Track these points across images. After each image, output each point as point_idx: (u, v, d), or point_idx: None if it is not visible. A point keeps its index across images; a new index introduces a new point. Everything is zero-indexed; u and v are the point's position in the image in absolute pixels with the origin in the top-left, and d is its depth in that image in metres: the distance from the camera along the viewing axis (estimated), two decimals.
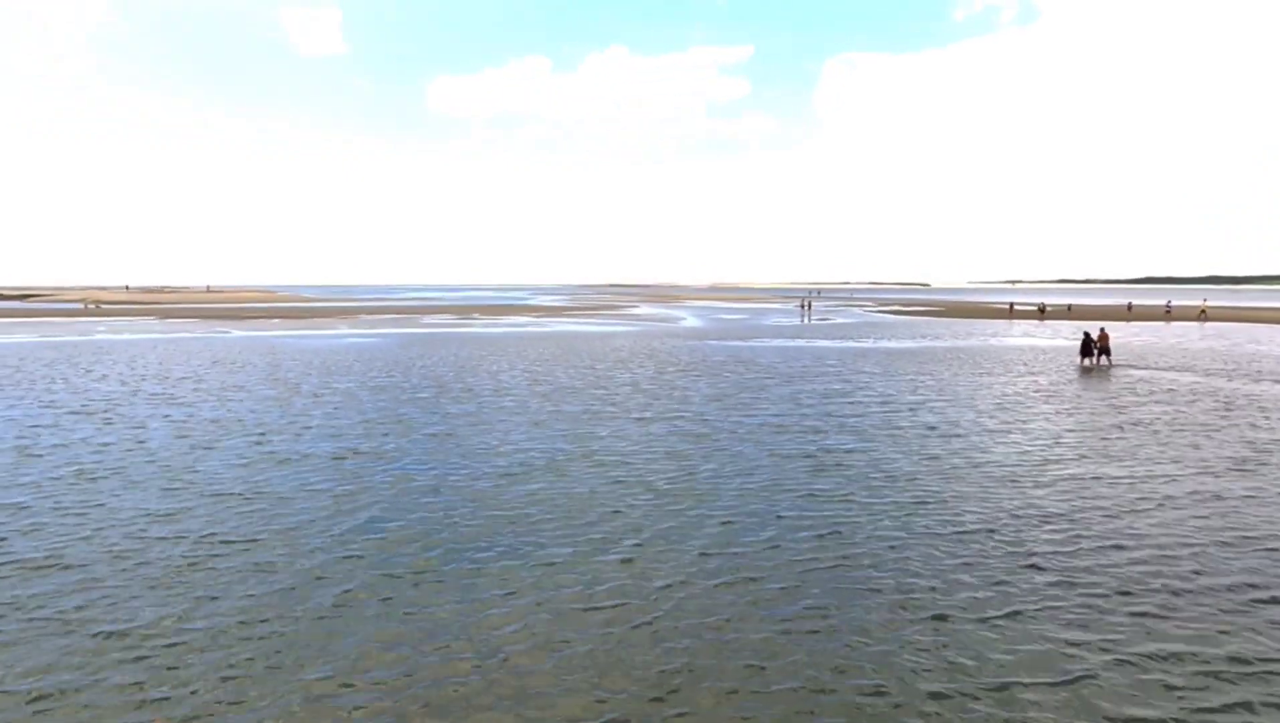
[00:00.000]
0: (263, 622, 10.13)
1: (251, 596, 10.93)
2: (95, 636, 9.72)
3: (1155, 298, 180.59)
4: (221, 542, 13.07)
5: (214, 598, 10.84)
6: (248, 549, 12.73)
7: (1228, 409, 26.03)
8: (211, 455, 19.23)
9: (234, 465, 18.23)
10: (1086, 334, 41.93)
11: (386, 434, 21.78)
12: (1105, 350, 40.40)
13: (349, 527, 13.88)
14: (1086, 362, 40.93)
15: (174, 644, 9.51)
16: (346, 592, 11.08)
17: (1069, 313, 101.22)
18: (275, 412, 25.34)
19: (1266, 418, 24.33)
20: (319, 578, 11.56)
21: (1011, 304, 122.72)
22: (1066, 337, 59.90)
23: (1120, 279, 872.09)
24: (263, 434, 21.72)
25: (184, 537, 13.29)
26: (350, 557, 12.44)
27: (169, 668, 8.96)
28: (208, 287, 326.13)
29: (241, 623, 10.09)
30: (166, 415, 24.59)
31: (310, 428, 22.62)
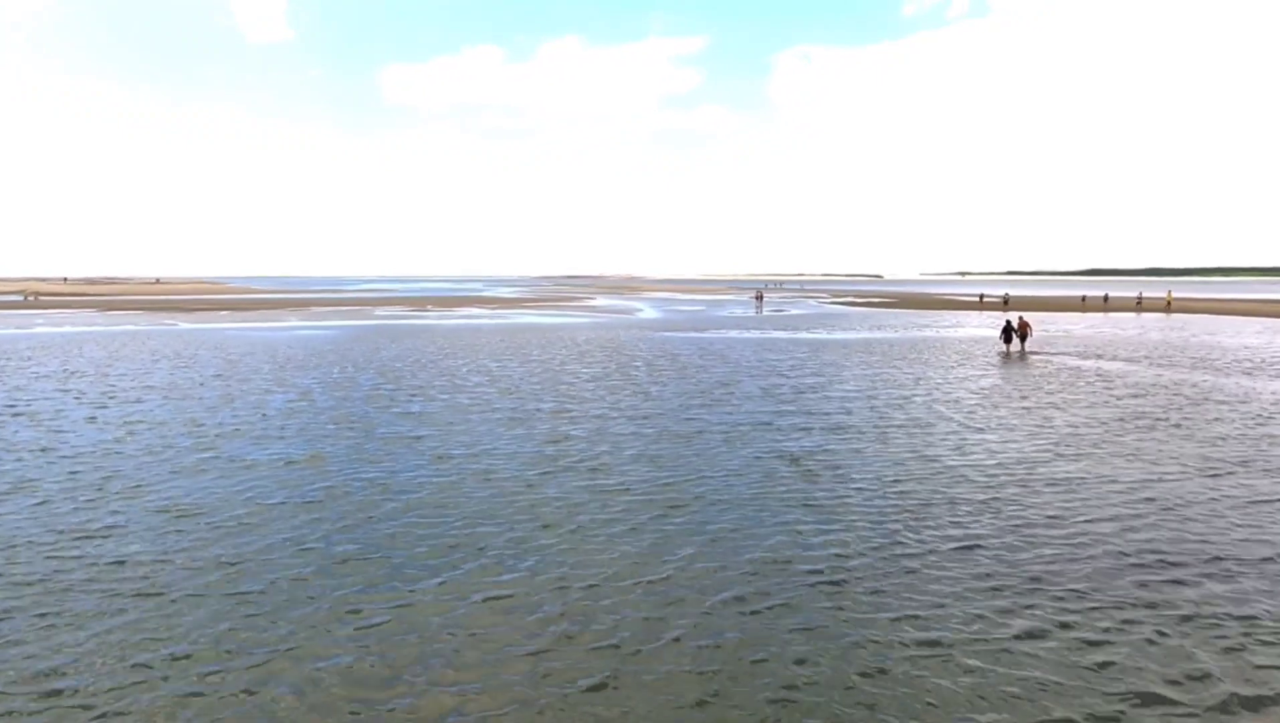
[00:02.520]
0: (213, 663, 8.97)
1: (195, 632, 9.67)
2: (10, 684, 8.56)
3: (1098, 289, 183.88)
4: (162, 565, 11.72)
5: (150, 638, 9.52)
6: (191, 575, 11.38)
7: (1194, 405, 25.80)
8: (152, 462, 17.78)
9: (176, 474, 16.80)
10: (1008, 321, 44.68)
11: (342, 437, 20.51)
12: (1024, 337, 43.67)
13: (305, 546, 12.60)
14: (1008, 348, 43.65)
15: (105, 689, 8.34)
16: (308, 620, 9.90)
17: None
18: (222, 412, 23.90)
19: (1234, 412, 24.16)
20: (277, 609, 10.35)
21: (981, 295, 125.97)
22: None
23: (1067, 270, 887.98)
24: (209, 437, 20.36)
25: (120, 560, 11.91)
26: (310, 579, 11.22)
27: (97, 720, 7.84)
28: (157, 279, 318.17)
29: (184, 667, 8.88)
30: (103, 417, 23.06)
31: (259, 430, 21.30)
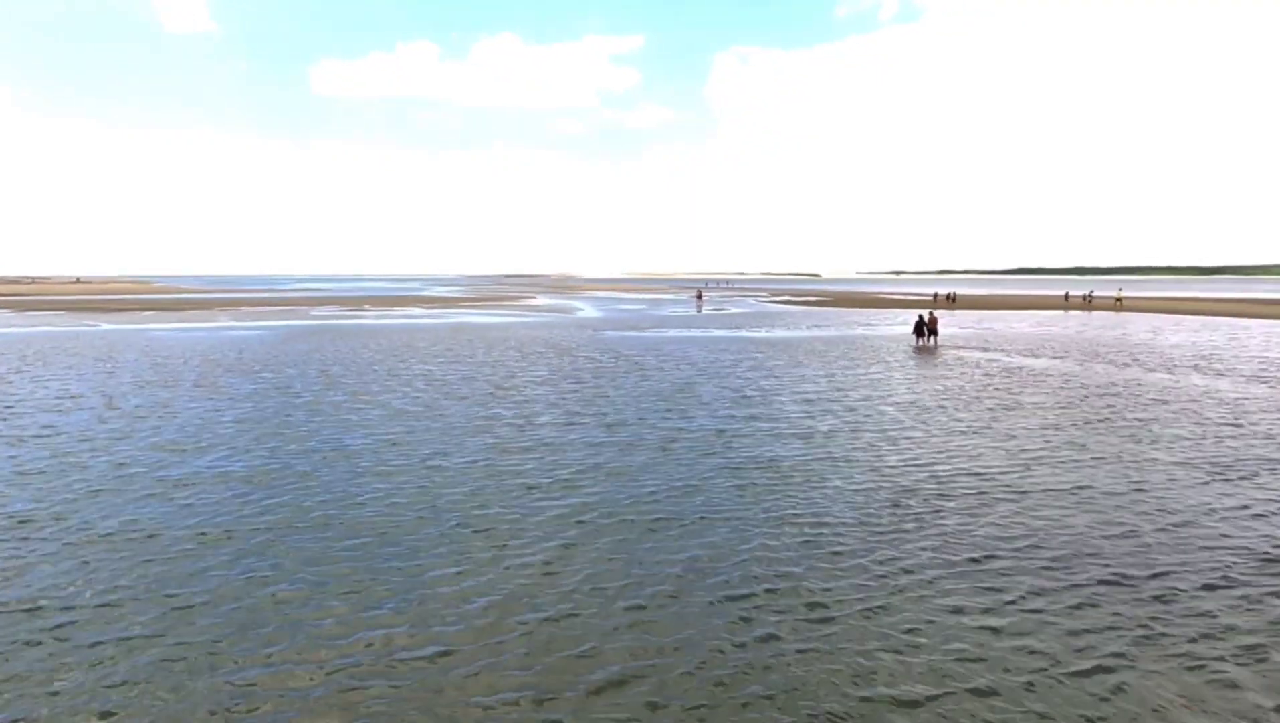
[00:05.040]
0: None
1: (108, 689, 8.47)
2: None
3: (1038, 288, 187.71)
4: (62, 606, 10.35)
5: (56, 695, 8.37)
6: (107, 619, 10.05)
7: (1139, 405, 25.80)
8: (67, 482, 16.14)
9: (87, 495, 15.17)
10: (920, 317, 48.23)
11: (279, 451, 19.00)
12: (933, 332, 46.71)
13: (234, 584, 11.25)
14: (919, 342, 46.64)
15: None
16: (239, 673, 8.76)
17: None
18: (146, 423, 22.23)
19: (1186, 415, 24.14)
20: (201, 661, 9.14)
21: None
22: (966, 325, 60.56)
23: (996, 270, 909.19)
24: (132, 451, 18.71)
25: (33, 603, 10.53)
26: (247, 620, 10.05)
27: None
28: (77, 278, 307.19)
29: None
30: (10, 429, 21.20)
31: (188, 443, 19.74)
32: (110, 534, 12.87)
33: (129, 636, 9.38)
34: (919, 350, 43.04)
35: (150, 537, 12.76)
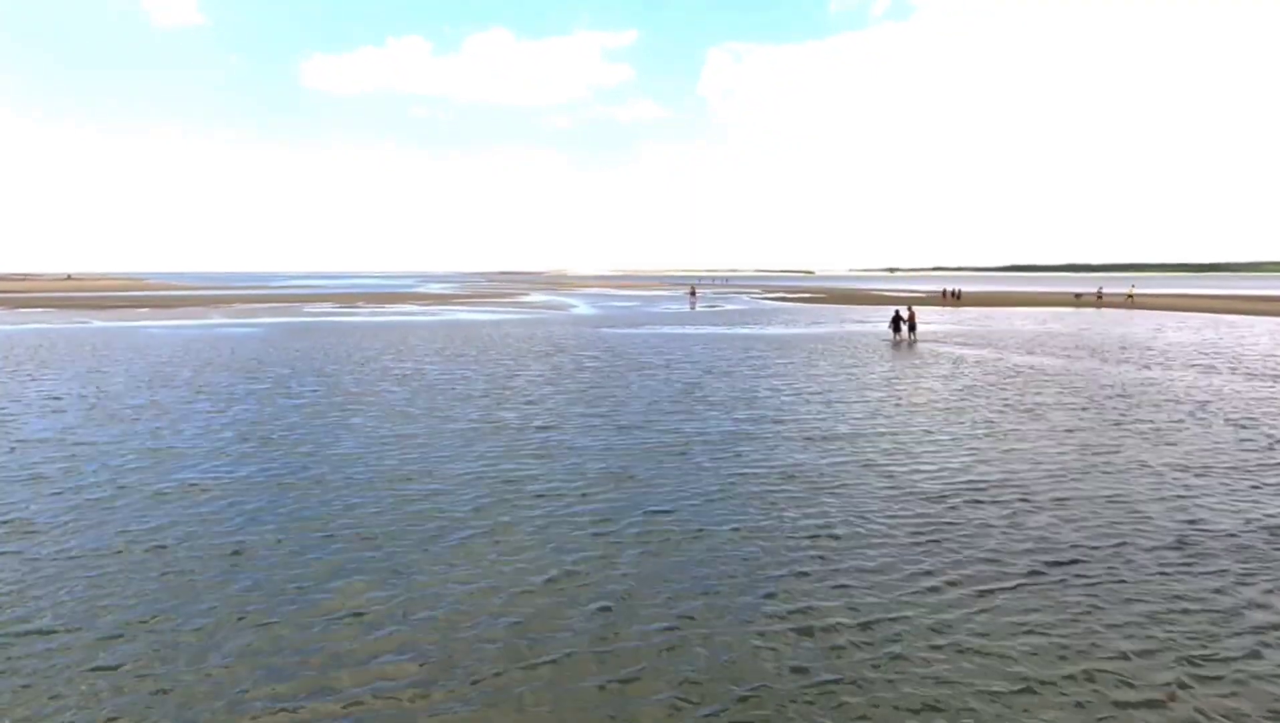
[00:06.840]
0: None
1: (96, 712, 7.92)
2: None
3: (1037, 285, 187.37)
4: (49, 624, 9.67)
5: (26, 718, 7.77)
6: (97, 635, 9.42)
7: (1146, 404, 25.36)
8: (46, 489, 15.36)
9: (78, 503, 14.47)
10: (897, 312, 49.03)
11: (270, 457, 18.31)
12: (911, 326, 47.00)
13: (232, 602, 10.58)
14: (896, 336, 47.07)
15: None
16: (247, 693, 8.16)
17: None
18: (134, 425, 21.50)
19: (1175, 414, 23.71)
20: (206, 683, 8.56)
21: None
22: (967, 321, 60.16)
23: (990, 266, 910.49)
24: (115, 460, 18.00)
25: None
26: (241, 639, 9.36)
27: None
28: (69, 275, 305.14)
29: None
30: None
31: (181, 446, 19.06)
32: (104, 543, 12.21)
33: (118, 662, 8.77)
34: (896, 345, 43.67)
35: (146, 549, 12.12)
